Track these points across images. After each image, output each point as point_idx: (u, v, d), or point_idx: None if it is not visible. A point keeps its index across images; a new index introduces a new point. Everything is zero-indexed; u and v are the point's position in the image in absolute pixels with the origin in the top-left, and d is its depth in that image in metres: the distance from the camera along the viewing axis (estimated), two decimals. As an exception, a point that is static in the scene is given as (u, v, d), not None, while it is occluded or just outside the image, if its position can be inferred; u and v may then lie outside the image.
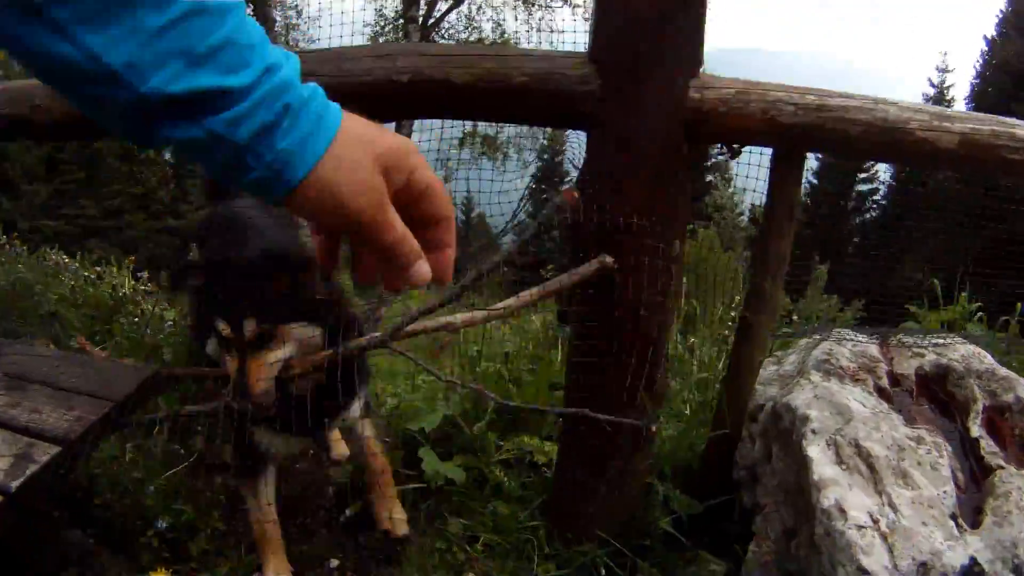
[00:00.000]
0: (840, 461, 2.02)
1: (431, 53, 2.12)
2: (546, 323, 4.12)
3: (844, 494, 1.91)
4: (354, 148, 0.69)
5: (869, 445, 2.01)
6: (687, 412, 3.05)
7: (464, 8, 19.07)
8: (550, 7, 17.81)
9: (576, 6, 17.37)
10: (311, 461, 3.00)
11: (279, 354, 2.12)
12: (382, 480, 2.67)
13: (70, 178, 25.29)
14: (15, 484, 1.74)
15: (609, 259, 2.13)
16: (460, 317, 2.22)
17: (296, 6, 19.28)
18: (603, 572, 2.42)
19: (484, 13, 18.90)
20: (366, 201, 0.70)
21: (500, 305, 2.26)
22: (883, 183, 30.34)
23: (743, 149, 2.26)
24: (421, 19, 17.43)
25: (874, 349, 2.57)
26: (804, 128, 2.06)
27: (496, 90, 2.08)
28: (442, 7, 18.24)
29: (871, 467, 1.97)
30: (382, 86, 2.07)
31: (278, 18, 17.11)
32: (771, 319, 2.43)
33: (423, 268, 0.76)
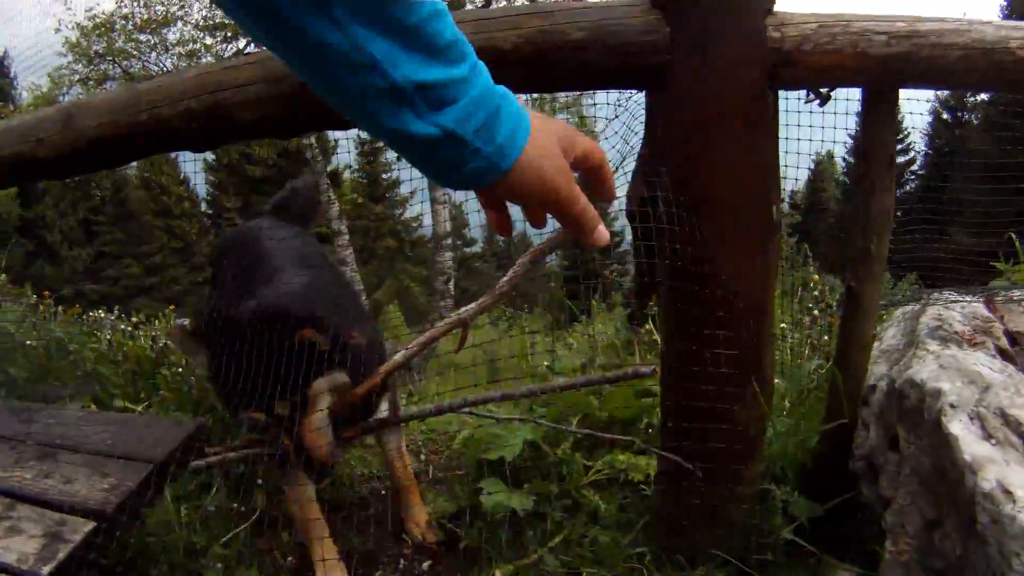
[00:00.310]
0: (988, 436, 1.72)
1: (469, 19, 1.82)
2: (616, 330, 3.82)
3: (1004, 473, 1.60)
4: (544, 136, 0.84)
5: (1016, 413, 1.73)
6: (787, 403, 2.71)
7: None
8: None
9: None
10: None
11: (322, 408, 2.15)
12: (407, 488, 2.68)
13: (109, 239, 25.67)
14: (46, 570, 1.48)
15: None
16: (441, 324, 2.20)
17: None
18: None
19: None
20: (563, 179, 0.86)
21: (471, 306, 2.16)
22: (918, 152, 29.80)
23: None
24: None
25: (983, 309, 2.34)
26: (898, 59, 1.80)
27: (549, 51, 1.78)
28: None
29: (1024, 437, 1.72)
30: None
31: None
32: (878, 287, 2.13)
33: (603, 232, 0.94)
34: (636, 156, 2.67)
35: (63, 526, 1.61)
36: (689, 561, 2.20)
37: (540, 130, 0.83)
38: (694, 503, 2.15)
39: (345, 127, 1.99)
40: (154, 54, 15.73)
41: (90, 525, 1.59)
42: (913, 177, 28.68)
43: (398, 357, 2.21)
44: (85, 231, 25.89)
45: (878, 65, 1.81)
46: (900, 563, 1.93)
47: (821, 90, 1.97)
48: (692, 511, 2.17)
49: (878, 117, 1.99)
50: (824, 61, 1.81)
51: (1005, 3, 27.96)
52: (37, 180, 2.26)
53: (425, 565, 2.54)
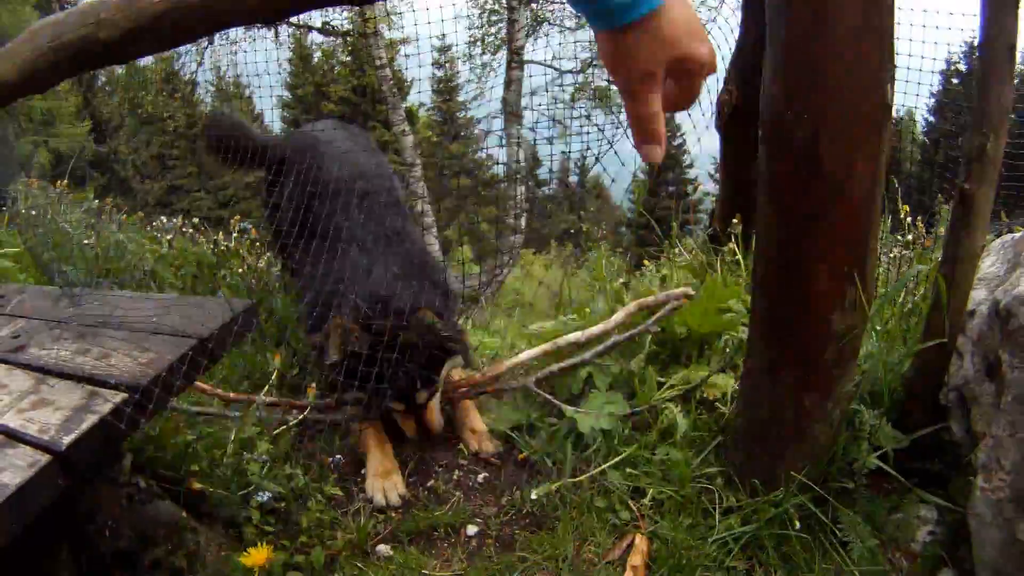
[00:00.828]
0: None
1: None
2: (692, 252, 3.59)
3: None
4: (689, 8, 0.84)
5: None
6: (881, 320, 2.48)
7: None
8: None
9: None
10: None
11: (439, 394, 2.54)
12: (463, 405, 2.71)
13: (182, 173, 25.98)
14: (67, 440, 1.34)
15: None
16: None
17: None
18: (798, 526, 1.92)
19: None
20: (700, 38, 0.84)
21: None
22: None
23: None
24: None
25: None
26: None
27: None
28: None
29: None
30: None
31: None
32: (992, 191, 1.88)
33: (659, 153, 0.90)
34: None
35: (93, 398, 1.47)
36: (765, 486, 2.01)
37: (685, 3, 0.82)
38: (779, 417, 1.96)
39: None
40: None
41: (120, 396, 1.44)
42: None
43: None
44: (160, 165, 26.22)
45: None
46: (993, 500, 1.72)
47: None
48: (774, 427, 1.98)
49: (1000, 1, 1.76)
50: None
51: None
52: (103, 64, 2.14)
53: (480, 477, 2.40)
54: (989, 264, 2.20)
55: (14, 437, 1.40)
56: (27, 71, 2.64)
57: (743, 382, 2.07)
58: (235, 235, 3.82)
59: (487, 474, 2.40)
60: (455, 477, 2.40)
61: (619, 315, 2.70)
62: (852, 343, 1.87)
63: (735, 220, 3.14)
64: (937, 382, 2.04)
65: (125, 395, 1.44)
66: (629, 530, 2.08)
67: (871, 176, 1.72)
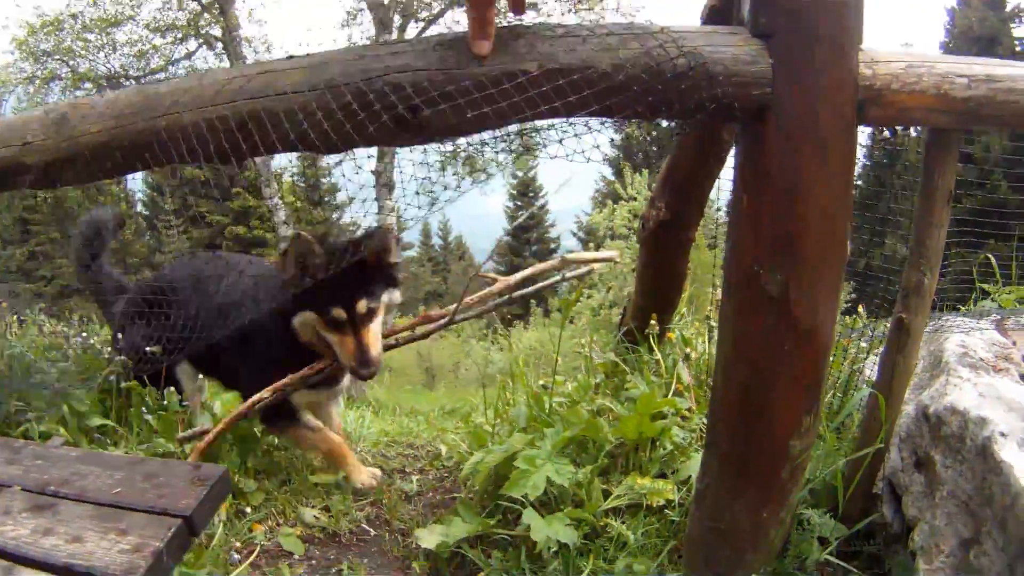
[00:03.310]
0: (1039, 461, 1.77)
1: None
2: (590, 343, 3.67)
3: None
4: None
5: (1061, 440, 1.77)
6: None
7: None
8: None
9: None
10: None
11: (379, 322, 2.63)
12: (342, 449, 2.94)
13: (44, 238, 24.61)
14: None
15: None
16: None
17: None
18: None
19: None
20: None
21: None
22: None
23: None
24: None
25: (997, 335, 2.34)
26: (976, 103, 1.74)
27: (649, 76, 1.57)
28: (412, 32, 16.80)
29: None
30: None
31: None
32: (926, 319, 2.09)
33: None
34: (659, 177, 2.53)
35: (82, 598, 1.34)
36: (726, 585, 2.04)
37: None
38: (737, 528, 2.00)
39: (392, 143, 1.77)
40: (103, 53, 15.08)
41: (115, 597, 1.32)
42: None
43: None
44: (22, 230, 24.81)
45: (958, 107, 1.74)
46: (933, 580, 1.89)
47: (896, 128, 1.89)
48: (732, 536, 2.02)
49: (941, 156, 1.93)
50: (908, 101, 1.71)
51: (948, 23, 28.59)
52: (27, 187, 1.98)
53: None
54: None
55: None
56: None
57: (699, 499, 2.09)
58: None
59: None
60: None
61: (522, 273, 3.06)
62: (804, 461, 1.95)
63: (652, 321, 3.22)
64: (872, 477, 2.19)
65: (120, 596, 1.32)
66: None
67: (832, 320, 1.81)
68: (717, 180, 2.82)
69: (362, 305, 2.50)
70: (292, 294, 2.53)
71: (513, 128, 1.86)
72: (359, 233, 2.59)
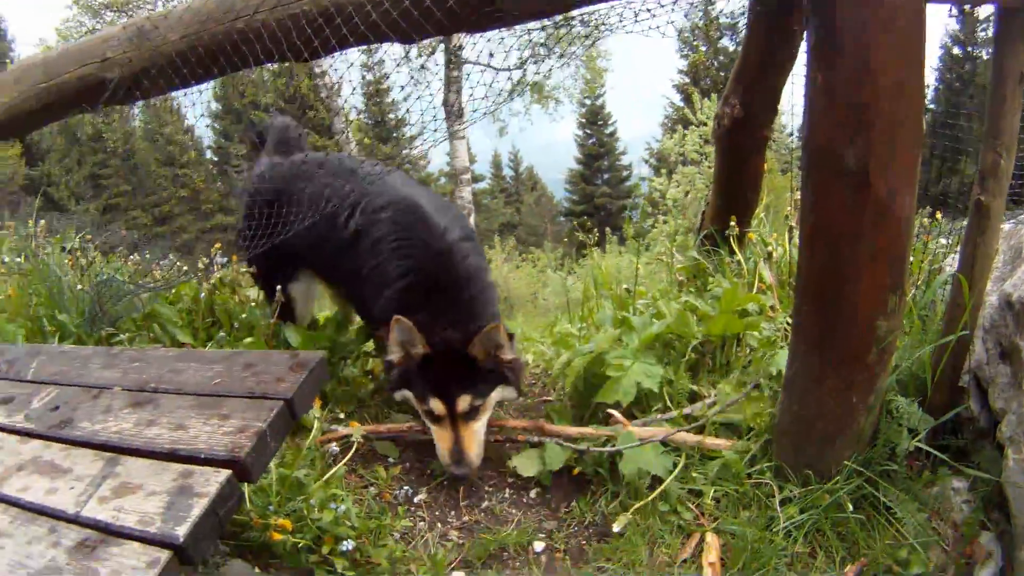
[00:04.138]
0: None
1: None
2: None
3: None
4: None
5: None
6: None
7: None
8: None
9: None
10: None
11: (484, 421, 2.34)
12: None
13: (116, 191, 25.14)
14: (182, 531, 1.21)
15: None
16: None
17: None
18: (851, 508, 1.95)
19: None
20: None
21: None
22: (928, 87, 28.99)
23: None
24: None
25: None
26: None
27: None
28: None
29: None
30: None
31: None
32: (1004, 201, 1.98)
33: None
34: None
35: (188, 478, 1.33)
36: (818, 475, 2.01)
37: None
38: (826, 415, 1.96)
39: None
40: (160, 3, 15.12)
41: (223, 474, 1.31)
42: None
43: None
44: (93, 186, 25.31)
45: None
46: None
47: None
48: (822, 423, 1.98)
49: (1011, 35, 1.85)
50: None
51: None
52: (105, 104, 1.98)
53: (532, 493, 2.32)
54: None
55: (112, 532, 1.26)
56: (13, 112, 2.41)
57: (788, 386, 2.05)
58: (217, 265, 3.62)
59: (539, 490, 2.31)
60: (507, 496, 2.31)
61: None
62: (891, 344, 1.89)
63: (731, 223, 3.14)
64: (957, 370, 2.09)
65: (228, 472, 1.31)
66: (694, 529, 2.04)
67: (910, 194, 1.74)
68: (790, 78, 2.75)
69: (464, 401, 2.25)
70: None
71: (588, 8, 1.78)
72: (470, 328, 2.27)
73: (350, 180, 2.73)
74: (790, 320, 2.33)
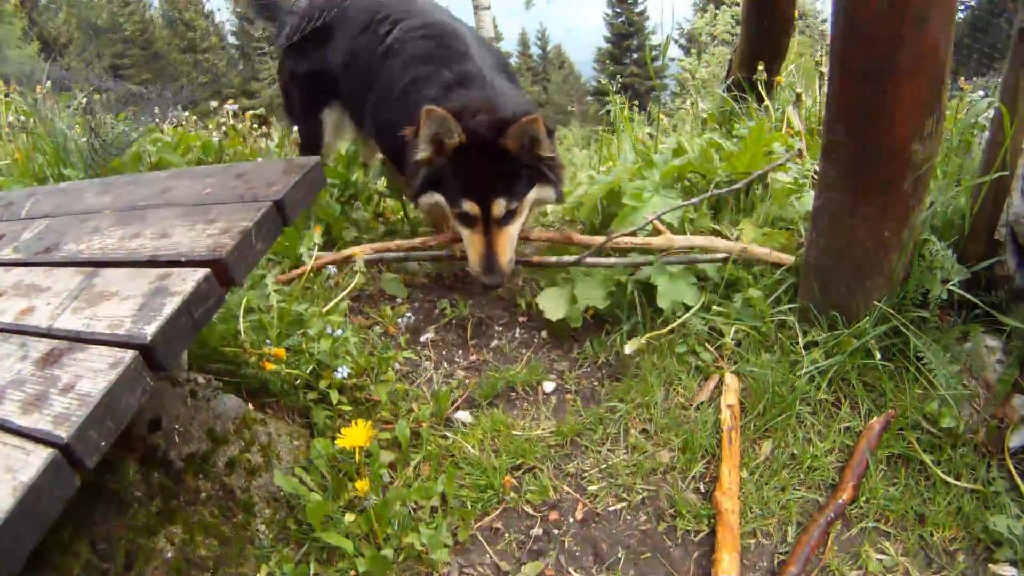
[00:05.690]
0: None
1: None
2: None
3: None
4: None
5: None
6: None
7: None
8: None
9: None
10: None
11: (518, 224, 2.16)
12: None
13: (137, 80, 24.84)
14: (150, 330, 1.08)
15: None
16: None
17: None
18: (879, 356, 1.79)
19: None
20: None
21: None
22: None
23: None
24: None
25: None
26: None
27: None
28: None
29: None
30: None
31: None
32: None
33: None
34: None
35: (165, 280, 1.20)
36: (845, 318, 1.86)
37: None
38: (857, 248, 1.80)
39: None
40: None
41: (200, 272, 1.17)
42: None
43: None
44: (113, 76, 25.03)
45: None
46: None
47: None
48: (851, 259, 1.82)
49: None
50: None
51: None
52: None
53: (544, 333, 2.20)
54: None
55: (82, 340, 1.15)
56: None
57: (815, 217, 1.88)
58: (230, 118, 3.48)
59: (551, 330, 2.19)
60: (518, 335, 2.20)
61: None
62: (927, 173, 1.73)
63: (759, 68, 2.95)
64: (993, 216, 1.89)
65: (206, 270, 1.18)
66: (712, 371, 1.92)
67: (948, 8, 1.58)
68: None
69: (499, 205, 2.06)
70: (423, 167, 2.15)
71: None
72: (507, 113, 2.04)
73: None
74: (817, 168, 2.13)
